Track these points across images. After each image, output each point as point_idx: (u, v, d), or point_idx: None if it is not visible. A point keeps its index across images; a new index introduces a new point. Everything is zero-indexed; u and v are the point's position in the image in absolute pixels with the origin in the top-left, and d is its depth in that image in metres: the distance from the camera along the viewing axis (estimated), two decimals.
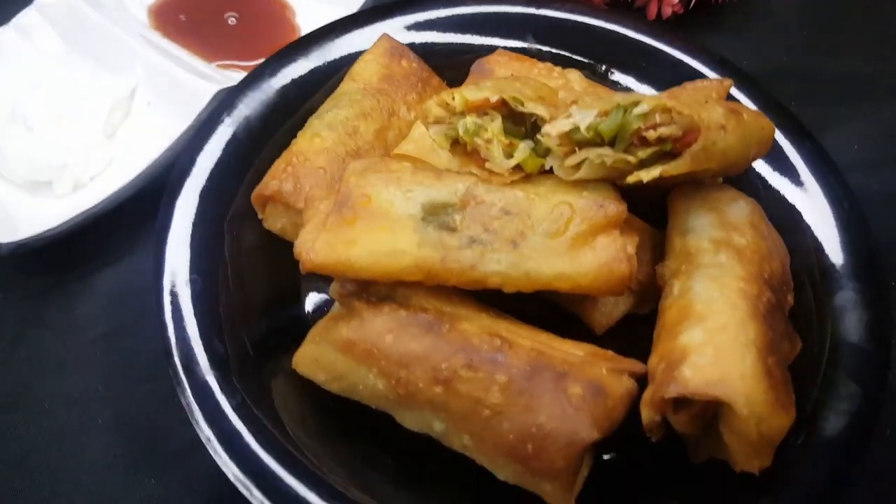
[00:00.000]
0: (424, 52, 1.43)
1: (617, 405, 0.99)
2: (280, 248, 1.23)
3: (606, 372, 1.02)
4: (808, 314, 1.17)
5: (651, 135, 1.01)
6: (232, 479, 0.97)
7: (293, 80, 1.38)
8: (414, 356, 1.03)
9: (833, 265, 1.21)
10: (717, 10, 1.74)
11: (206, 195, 1.23)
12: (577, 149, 1.06)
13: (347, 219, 1.06)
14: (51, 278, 1.35)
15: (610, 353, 1.06)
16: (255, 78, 1.35)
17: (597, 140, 1.04)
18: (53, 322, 1.30)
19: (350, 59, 1.40)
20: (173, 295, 1.12)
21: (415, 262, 1.03)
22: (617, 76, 1.47)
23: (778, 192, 1.30)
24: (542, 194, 1.08)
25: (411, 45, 1.43)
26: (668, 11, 1.66)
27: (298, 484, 0.98)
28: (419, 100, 1.36)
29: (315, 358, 1.09)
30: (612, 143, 1.04)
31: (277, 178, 1.22)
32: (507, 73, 1.33)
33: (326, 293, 1.12)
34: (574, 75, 1.34)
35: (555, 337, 1.08)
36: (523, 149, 1.08)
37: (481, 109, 1.10)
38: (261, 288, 1.24)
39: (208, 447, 0.99)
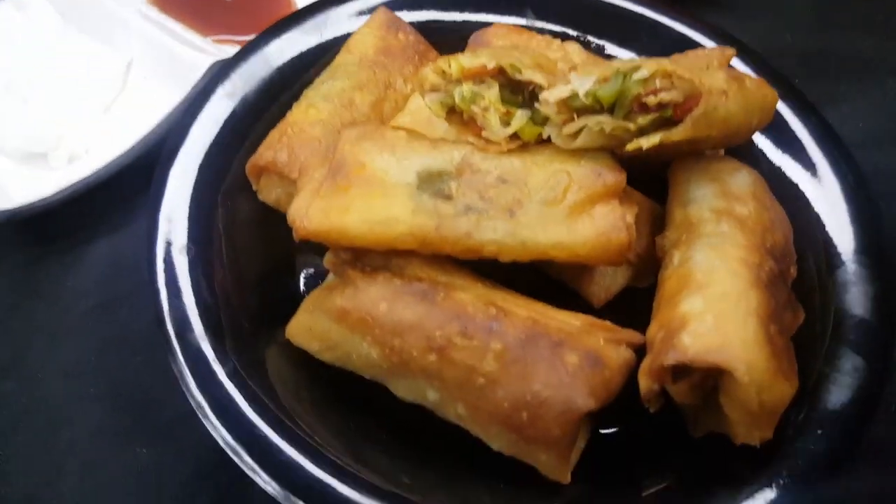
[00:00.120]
0: (422, 30, 1.41)
1: (614, 375, 0.98)
2: (275, 220, 1.21)
3: (604, 342, 1.01)
4: (811, 288, 1.15)
5: (651, 100, 0.99)
6: (223, 444, 0.96)
7: (288, 52, 1.36)
8: (408, 324, 1.01)
9: (838, 239, 1.19)
10: None
11: (200, 164, 1.21)
12: (575, 116, 1.04)
13: (341, 186, 1.05)
14: (45, 249, 1.34)
15: (608, 323, 1.04)
16: (250, 50, 1.34)
17: (596, 107, 1.03)
18: (47, 292, 1.29)
19: (346, 32, 1.38)
20: (167, 262, 1.10)
21: (409, 229, 1.02)
22: (617, 51, 1.44)
23: (781, 165, 1.28)
24: (539, 163, 1.06)
25: (409, 23, 1.40)
26: None
27: (291, 449, 0.96)
28: (416, 73, 1.34)
29: (309, 327, 1.08)
30: (611, 111, 1.02)
31: (272, 149, 1.20)
32: (506, 45, 1.31)
33: (321, 266, 1.11)
34: (573, 47, 1.32)
35: (551, 307, 1.07)
36: (520, 116, 1.07)
37: (478, 77, 1.08)
38: (255, 260, 1.23)
39: (199, 414, 0.98)
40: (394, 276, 1.05)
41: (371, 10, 1.41)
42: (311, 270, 1.27)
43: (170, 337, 1.03)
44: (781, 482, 0.96)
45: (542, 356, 0.97)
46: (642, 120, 1.00)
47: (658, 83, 0.98)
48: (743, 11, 1.73)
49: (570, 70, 1.05)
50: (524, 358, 0.97)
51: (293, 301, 1.12)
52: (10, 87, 1.41)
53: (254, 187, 1.25)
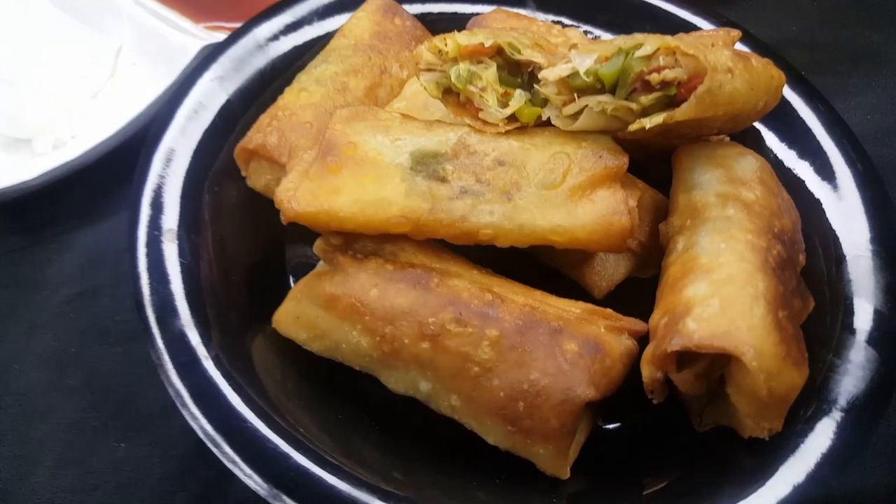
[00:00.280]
0: (421, 21, 1.38)
1: (615, 364, 0.93)
2: (263, 208, 1.17)
3: (605, 329, 0.96)
4: (821, 279, 1.11)
5: (654, 78, 0.95)
6: (202, 435, 0.91)
7: (280, 36, 1.32)
8: (400, 311, 0.97)
9: (849, 229, 1.14)
10: None
11: (186, 149, 1.17)
12: (576, 97, 1.00)
13: (332, 167, 1.00)
14: (28, 237, 1.30)
15: (608, 311, 0.99)
16: (240, 34, 1.30)
17: (597, 86, 0.99)
18: (27, 280, 1.25)
19: (340, 18, 1.34)
20: (148, 247, 1.06)
21: (402, 211, 0.98)
22: None
23: (790, 154, 1.23)
24: (538, 145, 1.02)
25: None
26: None
27: (275, 439, 0.91)
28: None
29: (296, 315, 1.04)
30: (613, 91, 0.98)
31: (261, 132, 1.17)
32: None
33: (311, 257, 1.06)
34: (574, 32, 1.29)
35: (550, 295, 1.02)
36: (519, 97, 1.03)
37: (475, 56, 1.04)
38: (243, 248, 1.19)
39: (178, 403, 0.93)
40: (386, 262, 1.01)
41: None
42: (301, 260, 1.22)
43: (148, 322, 0.99)
44: (791, 477, 0.91)
45: (539, 343, 0.92)
46: (645, 99, 0.96)
47: (662, 60, 0.95)
48: (749, 3, 1.69)
49: (571, 47, 1.01)
50: (521, 345, 0.92)
51: (281, 292, 1.08)
52: None
53: (242, 173, 1.21)
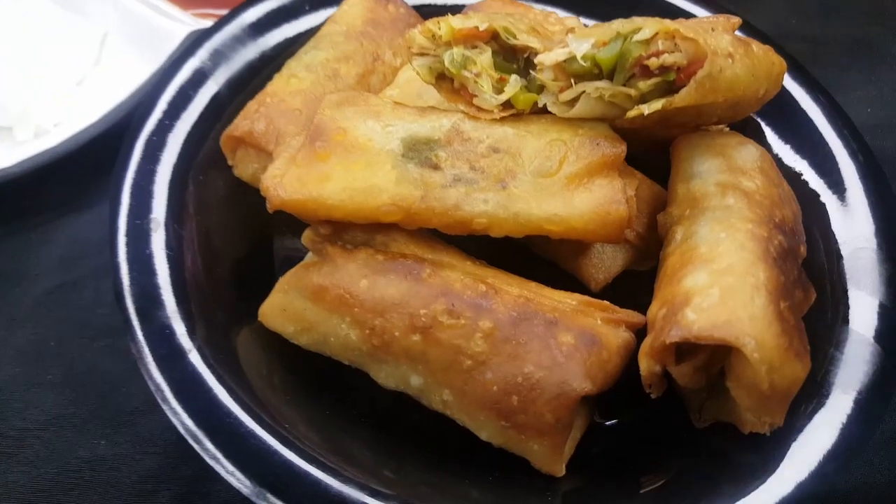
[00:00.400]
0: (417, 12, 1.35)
1: (612, 357, 0.90)
2: (250, 199, 1.14)
3: (601, 322, 0.93)
4: (822, 273, 1.08)
5: (653, 63, 0.92)
6: (182, 431, 0.87)
7: (269, 22, 1.29)
8: (390, 302, 0.93)
9: (850, 223, 1.11)
10: None
11: (170, 136, 1.14)
12: (572, 82, 0.97)
13: (320, 153, 0.97)
14: (6, 227, 1.26)
15: (605, 303, 0.97)
16: (227, 19, 1.27)
17: (594, 72, 0.96)
18: (7, 272, 1.21)
19: (330, 5, 1.31)
20: (129, 236, 1.02)
21: (392, 199, 0.94)
22: None
23: (790, 145, 1.21)
24: (534, 132, 1.00)
25: None
26: None
27: (260, 432, 0.87)
28: None
29: (283, 308, 1.00)
30: (611, 77, 0.96)
31: (249, 119, 1.13)
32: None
33: (300, 249, 1.03)
34: (572, 21, 1.25)
35: (545, 287, 0.99)
36: (514, 82, 1.00)
37: (470, 41, 1.01)
38: (228, 239, 1.16)
39: (158, 397, 0.89)
40: (376, 253, 0.98)
41: None
42: (289, 253, 1.19)
43: (128, 313, 0.95)
44: (793, 475, 0.88)
45: (534, 335, 0.89)
46: (644, 85, 0.93)
47: (661, 44, 0.92)
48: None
49: (568, 32, 0.98)
50: (515, 337, 0.89)
51: (268, 285, 1.04)
52: None
53: (229, 162, 1.18)
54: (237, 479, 0.84)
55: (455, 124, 0.99)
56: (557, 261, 1.13)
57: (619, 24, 0.95)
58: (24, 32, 1.35)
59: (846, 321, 1.01)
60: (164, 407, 0.88)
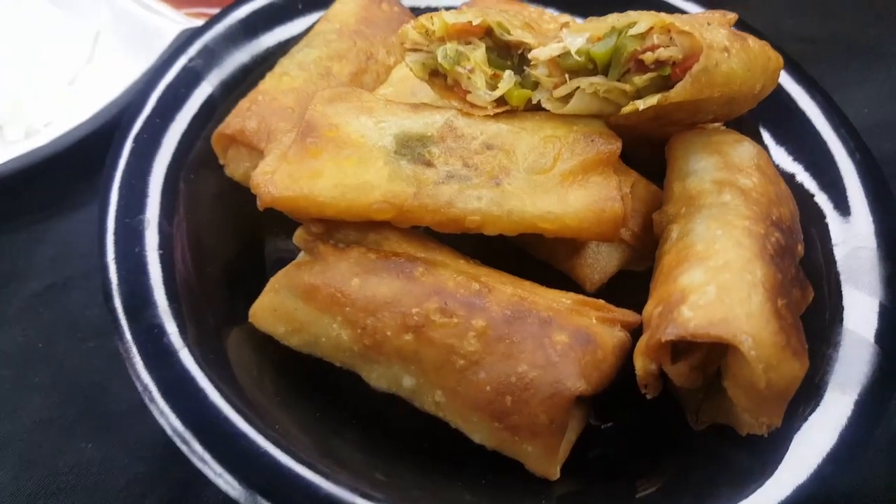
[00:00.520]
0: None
1: (607, 356, 0.89)
2: (242, 199, 1.12)
3: (596, 321, 0.92)
4: (819, 271, 1.07)
5: (649, 57, 0.91)
6: (170, 432, 0.85)
7: (261, 21, 1.28)
8: (382, 301, 0.92)
9: (848, 221, 1.10)
10: None
11: (161, 135, 1.12)
12: (567, 78, 0.96)
13: (312, 150, 0.96)
14: None
15: (600, 301, 0.95)
16: (219, 18, 1.26)
17: (589, 67, 0.95)
18: None
19: (322, 4, 1.30)
20: (117, 235, 1.01)
21: (385, 196, 0.93)
22: None
23: (788, 144, 1.20)
24: (528, 129, 0.98)
25: None
26: None
27: (251, 433, 0.85)
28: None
29: (274, 308, 0.98)
30: (605, 72, 0.94)
31: (240, 117, 1.12)
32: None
33: (292, 251, 1.01)
34: (566, 19, 1.25)
35: (539, 286, 0.98)
36: (508, 78, 0.99)
37: (463, 36, 1.00)
38: (219, 241, 1.15)
39: (145, 397, 0.87)
40: (369, 251, 0.96)
41: None
42: (281, 255, 1.17)
43: (116, 312, 0.93)
44: (791, 477, 0.86)
45: (528, 334, 0.88)
46: (639, 80, 0.92)
47: (656, 39, 0.91)
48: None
49: (562, 27, 0.97)
50: (509, 336, 0.88)
51: (259, 287, 1.02)
52: None
53: (220, 161, 1.17)
54: (225, 482, 0.83)
55: (448, 121, 0.98)
56: (552, 261, 1.11)
57: (613, 19, 0.94)
58: (16, 31, 1.35)
59: (844, 322, 1.00)
60: (151, 407, 0.86)
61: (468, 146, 0.97)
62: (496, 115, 0.99)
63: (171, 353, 0.92)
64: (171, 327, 0.94)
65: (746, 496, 0.86)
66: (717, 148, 1.04)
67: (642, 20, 0.91)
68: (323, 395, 1.02)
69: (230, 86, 1.23)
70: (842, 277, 1.05)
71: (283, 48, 1.28)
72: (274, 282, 0.99)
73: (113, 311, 0.94)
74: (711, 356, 0.86)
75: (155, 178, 1.09)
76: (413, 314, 0.90)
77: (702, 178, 1.00)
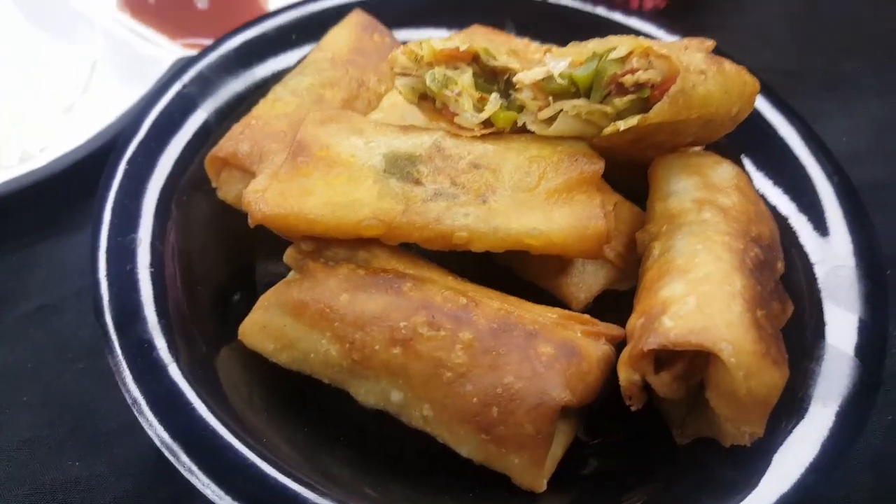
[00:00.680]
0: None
1: (592, 368, 0.90)
2: (234, 223, 1.14)
3: (581, 334, 0.93)
4: (800, 290, 1.09)
5: (628, 80, 0.94)
6: (158, 444, 0.86)
7: (255, 50, 1.32)
8: (371, 315, 0.93)
9: (827, 241, 1.13)
10: (698, 6, 1.72)
11: (155, 158, 1.15)
12: (551, 101, 0.99)
13: (302, 169, 0.98)
14: None
15: (585, 316, 0.97)
16: (214, 47, 1.29)
17: (572, 90, 0.98)
18: None
19: (315, 29, 1.34)
20: (109, 253, 1.03)
21: (374, 213, 0.95)
22: None
23: (767, 170, 1.23)
24: (514, 149, 1.01)
25: None
26: (648, 4, 1.64)
27: (238, 445, 0.86)
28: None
29: (263, 325, 1.00)
30: (588, 95, 0.98)
31: (233, 140, 1.14)
32: None
33: (283, 273, 1.03)
34: (550, 46, 1.29)
35: (525, 301, 0.99)
36: (494, 100, 1.02)
37: (451, 62, 1.04)
38: (210, 263, 1.16)
39: (134, 410, 0.88)
40: (358, 268, 0.98)
41: (341, 15, 1.37)
42: (272, 279, 1.18)
43: (107, 327, 0.95)
44: (774, 487, 0.88)
45: (514, 347, 0.89)
46: (619, 102, 0.96)
47: (635, 62, 0.94)
48: (727, 32, 1.72)
49: (546, 51, 1.01)
50: (495, 349, 0.89)
51: (249, 307, 1.03)
52: None
53: (213, 184, 1.19)
54: (213, 492, 0.83)
55: (436, 141, 1.01)
56: (539, 281, 1.13)
57: (594, 44, 0.98)
58: (14, 60, 1.38)
59: (825, 337, 1.02)
60: (140, 419, 0.87)
61: (456, 165, 0.99)
62: (483, 137, 1.02)
63: (160, 368, 0.93)
64: (161, 343, 0.96)
65: None
66: (697, 169, 1.07)
67: (622, 45, 0.94)
68: (311, 412, 1.03)
69: (224, 112, 1.26)
70: (822, 295, 1.07)
71: (277, 78, 1.31)
72: (263, 299, 1.01)
73: (104, 325, 0.95)
74: (693, 367, 0.88)
75: (148, 200, 1.11)
76: (401, 328, 0.92)
77: (682, 197, 1.03)
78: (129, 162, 1.12)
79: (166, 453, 0.85)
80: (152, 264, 1.04)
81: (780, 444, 0.91)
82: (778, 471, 0.89)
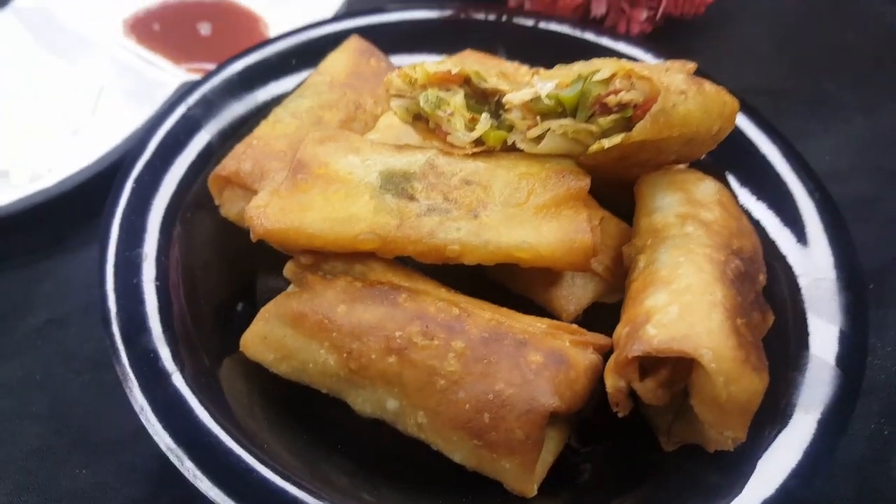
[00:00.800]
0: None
1: (580, 376, 0.94)
2: (236, 240, 1.19)
3: (570, 344, 0.97)
4: (783, 303, 1.12)
5: (612, 100, 0.99)
6: (164, 449, 0.89)
7: (257, 74, 1.37)
8: (367, 325, 0.97)
9: (809, 255, 1.16)
10: (685, 30, 1.78)
11: (161, 175, 1.20)
12: (539, 120, 1.04)
13: (302, 185, 1.03)
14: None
15: (573, 326, 1.01)
16: (218, 70, 1.35)
17: (558, 110, 1.03)
18: None
19: (314, 54, 1.39)
20: (117, 267, 1.07)
21: (370, 227, 0.99)
22: None
23: (750, 186, 1.27)
24: (504, 166, 1.06)
25: None
26: (635, 29, 1.69)
27: (240, 451, 0.90)
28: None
29: (264, 336, 1.03)
30: (574, 115, 1.03)
31: (236, 159, 1.19)
32: None
33: (282, 288, 1.07)
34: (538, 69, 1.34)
35: (515, 312, 1.03)
36: (485, 120, 1.07)
37: (444, 84, 1.09)
38: (213, 279, 1.20)
39: (141, 417, 0.92)
40: (355, 281, 1.02)
41: (339, 40, 1.42)
42: (272, 295, 1.22)
43: (114, 338, 0.98)
44: (758, 492, 0.91)
45: (505, 355, 0.93)
46: (604, 121, 1.00)
47: (618, 83, 0.99)
48: (709, 55, 1.77)
49: (534, 75, 1.06)
50: (486, 357, 0.93)
51: (251, 320, 1.06)
52: None
53: (216, 201, 1.23)
54: (215, 495, 0.86)
55: (430, 159, 1.06)
56: (530, 294, 1.17)
57: (579, 66, 1.03)
58: (24, 83, 1.43)
59: (807, 347, 1.05)
60: (146, 425, 0.91)
61: (448, 182, 1.04)
62: (474, 155, 1.07)
63: (164, 376, 0.97)
64: (165, 353, 1.00)
65: None
66: (681, 186, 1.12)
67: (605, 67, 0.99)
68: (310, 422, 1.06)
69: (227, 133, 1.31)
70: (804, 306, 1.11)
71: (277, 100, 1.36)
72: (264, 311, 1.04)
73: (111, 336, 0.99)
74: (677, 375, 0.91)
75: (153, 216, 1.15)
76: (396, 337, 0.96)
77: (667, 212, 1.07)
78: (136, 181, 1.17)
79: (171, 457, 0.89)
80: (157, 278, 1.09)
81: (764, 450, 0.94)
82: (761, 476, 0.92)
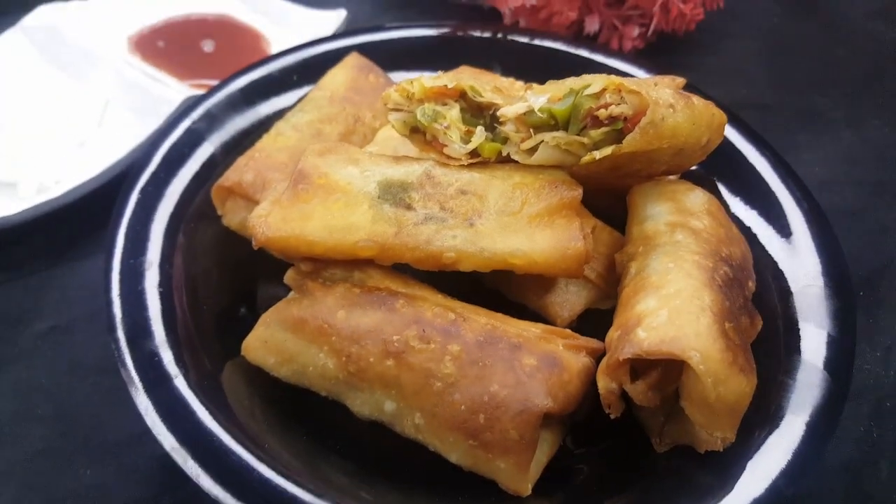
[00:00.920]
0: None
1: (573, 379, 0.96)
2: (238, 249, 1.22)
3: (563, 347, 1.00)
4: (773, 311, 1.15)
5: (602, 113, 1.02)
6: (168, 449, 0.92)
7: (260, 89, 1.41)
8: (366, 329, 1.00)
9: (798, 262, 1.19)
10: (676, 46, 1.82)
11: (165, 186, 1.23)
12: (532, 133, 1.07)
13: (303, 195, 1.06)
14: (5, 274, 1.33)
15: (567, 330, 1.04)
16: (222, 86, 1.39)
17: (551, 123, 1.06)
18: (4, 314, 1.27)
19: (315, 70, 1.43)
20: (122, 274, 1.10)
21: (369, 235, 1.03)
22: None
23: (741, 196, 1.31)
24: (498, 177, 1.09)
25: None
26: (628, 45, 1.73)
27: (242, 451, 0.92)
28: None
29: (265, 340, 1.06)
30: (566, 128, 1.06)
31: (238, 171, 1.23)
32: None
33: (283, 296, 1.10)
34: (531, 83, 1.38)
35: (510, 318, 1.06)
36: (480, 133, 1.10)
37: (440, 98, 1.12)
38: (215, 286, 1.23)
39: (146, 419, 0.94)
40: (354, 287, 1.05)
41: (339, 57, 1.46)
42: (273, 303, 1.25)
43: (119, 342, 1.01)
44: (748, 491, 0.93)
45: (499, 358, 0.96)
46: (595, 134, 1.03)
47: (609, 97, 1.02)
48: (700, 70, 1.82)
49: (527, 88, 1.10)
50: (482, 360, 0.96)
51: (251, 327, 1.09)
52: None
53: (219, 212, 1.26)
54: (218, 493, 0.89)
55: (427, 170, 1.09)
56: (525, 300, 1.20)
57: (571, 81, 1.06)
58: (31, 98, 1.47)
59: (797, 351, 1.08)
60: (150, 426, 0.93)
61: (445, 192, 1.07)
62: (470, 166, 1.10)
63: (167, 379, 0.99)
64: (168, 356, 1.02)
65: None
66: (671, 196, 1.15)
67: (596, 82, 1.03)
68: (310, 424, 1.08)
69: (229, 146, 1.35)
70: (794, 312, 1.13)
71: (279, 115, 1.39)
72: (265, 317, 1.07)
73: (116, 340, 1.02)
74: (667, 377, 0.94)
75: (157, 226, 1.19)
76: (394, 341, 0.98)
77: (657, 221, 1.11)
78: (141, 191, 1.20)
79: (174, 457, 0.91)
80: (161, 285, 1.12)
81: (754, 451, 0.97)
82: (751, 476, 0.94)
